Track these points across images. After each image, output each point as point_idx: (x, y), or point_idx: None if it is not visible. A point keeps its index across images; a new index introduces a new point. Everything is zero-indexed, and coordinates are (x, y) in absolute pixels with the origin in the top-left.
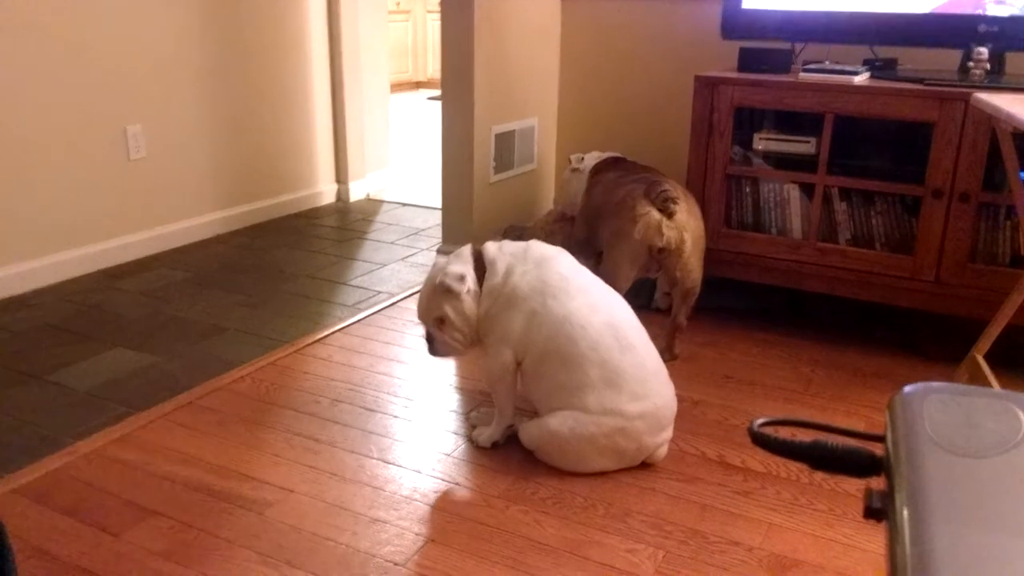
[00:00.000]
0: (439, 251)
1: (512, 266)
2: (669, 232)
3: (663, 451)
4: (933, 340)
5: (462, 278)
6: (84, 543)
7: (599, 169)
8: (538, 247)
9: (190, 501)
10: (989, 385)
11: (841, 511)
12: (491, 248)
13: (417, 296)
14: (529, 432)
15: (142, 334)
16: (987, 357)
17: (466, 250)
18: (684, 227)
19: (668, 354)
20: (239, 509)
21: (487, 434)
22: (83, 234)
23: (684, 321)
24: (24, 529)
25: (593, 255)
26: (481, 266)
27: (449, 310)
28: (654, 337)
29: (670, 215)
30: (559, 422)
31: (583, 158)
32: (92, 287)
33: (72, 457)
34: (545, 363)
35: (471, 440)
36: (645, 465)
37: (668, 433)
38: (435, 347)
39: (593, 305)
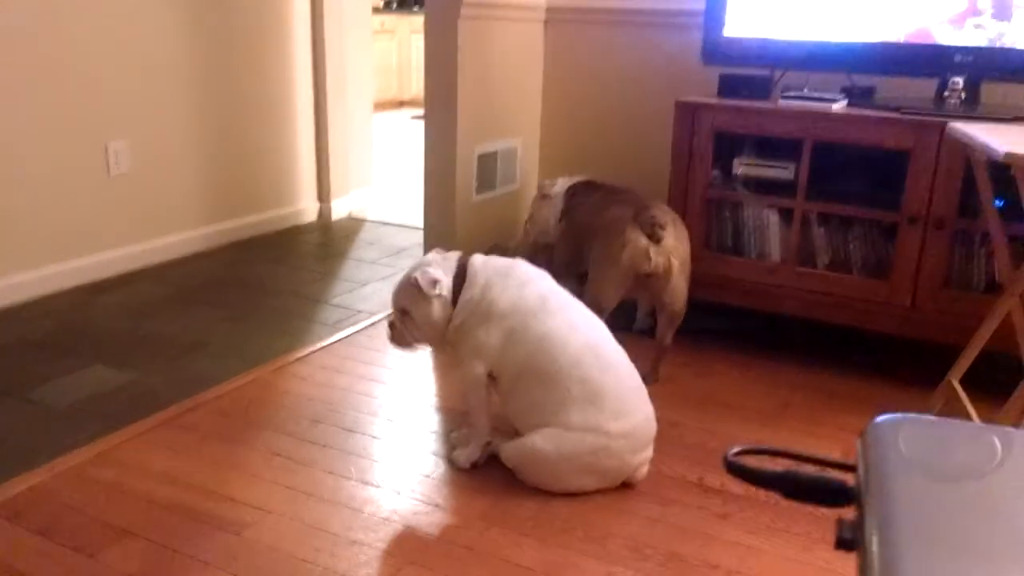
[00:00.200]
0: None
1: (492, 281)
2: (657, 258)
3: (643, 471)
4: (909, 364)
5: (435, 283)
6: (58, 563)
7: (577, 191)
8: (522, 267)
9: (167, 521)
10: (964, 411)
11: (819, 535)
12: (477, 261)
13: None
14: (511, 451)
15: (123, 350)
16: (962, 382)
17: (453, 256)
18: (672, 252)
19: (653, 376)
20: (216, 530)
21: (466, 454)
22: (65, 249)
23: (670, 343)
24: None
25: (576, 277)
26: (463, 276)
27: (414, 307)
28: (636, 359)
29: (657, 241)
30: (543, 440)
31: (554, 184)
32: (73, 302)
33: (48, 475)
34: (523, 380)
35: (450, 461)
36: (624, 487)
37: (649, 452)
38: (394, 335)
39: (573, 324)
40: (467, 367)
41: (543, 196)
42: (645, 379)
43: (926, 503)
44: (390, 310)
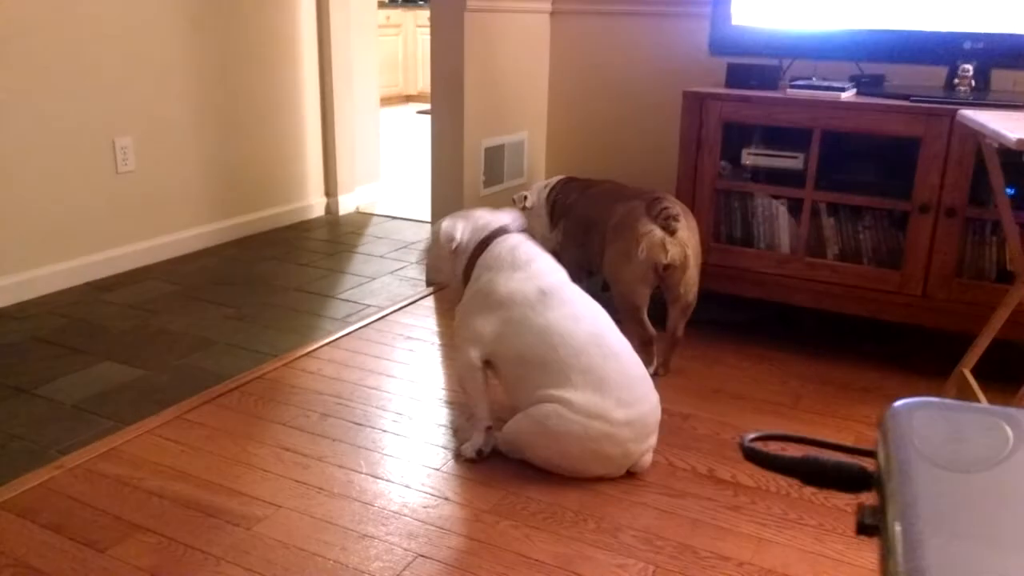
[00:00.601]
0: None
1: (502, 267)
2: (673, 249)
3: (647, 459)
4: (921, 354)
5: (451, 239)
6: (70, 559)
7: (563, 191)
8: (542, 261)
9: (178, 516)
10: (976, 399)
11: (831, 526)
12: (505, 243)
13: (410, 306)
14: (510, 426)
15: (130, 347)
16: (974, 371)
17: (494, 222)
18: (686, 243)
19: (664, 367)
20: (227, 525)
21: (470, 444)
22: (71, 247)
23: (682, 334)
24: (9, 544)
25: (585, 274)
26: (483, 249)
27: (432, 246)
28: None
29: (672, 232)
30: (543, 414)
31: (526, 196)
32: (80, 300)
33: (58, 471)
34: (524, 368)
35: (458, 454)
36: (635, 479)
37: (652, 441)
38: (424, 259)
39: (576, 315)
40: (461, 353)
41: (521, 210)
42: (657, 371)
43: (946, 491)
44: (397, 303)
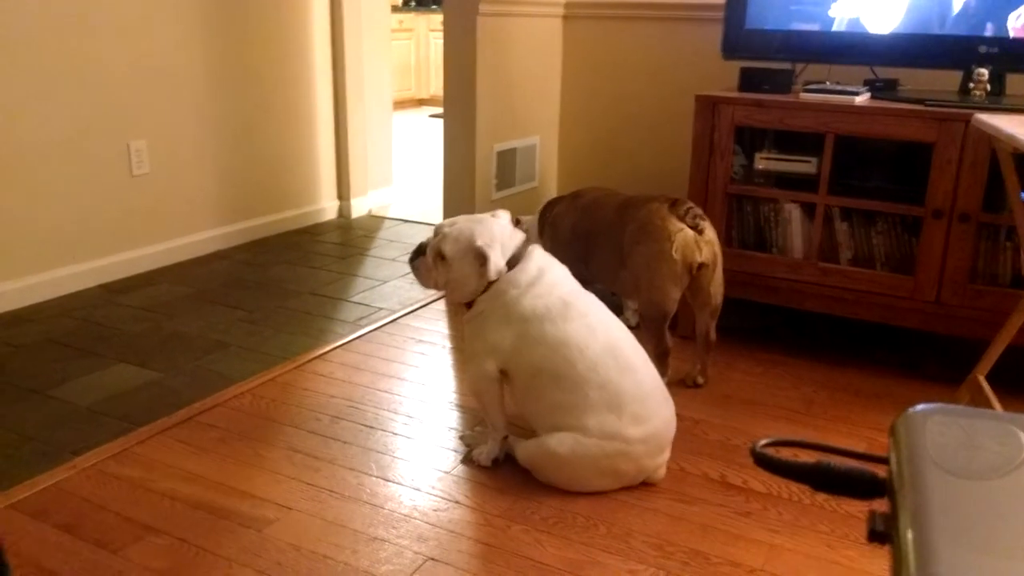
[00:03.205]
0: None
1: (530, 278)
2: (705, 248)
3: (662, 472)
4: (934, 360)
5: (500, 271)
6: (83, 560)
7: (552, 204)
8: (567, 282)
9: (190, 518)
10: (990, 406)
11: (843, 533)
12: (533, 263)
13: (422, 309)
14: (527, 450)
15: (143, 350)
16: (988, 378)
17: (513, 242)
18: (714, 242)
19: (704, 376)
20: (239, 527)
21: (486, 452)
22: (85, 249)
23: (716, 338)
24: (22, 545)
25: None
26: (512, 266)
27: (460, 266)
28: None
29: (700, 231)
30: (558, 442)
31: (519, 220)
32: (94, 302)
33: (71, 472)
34: (539, 379)
35: (471, 460)
36: (646, 485)
37: (667, 454)
38: (417, 264)
39: (592, 327)
40: (478, 364)
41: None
42: (696, 381)
43: (959, 499)
44: (408, 306)
